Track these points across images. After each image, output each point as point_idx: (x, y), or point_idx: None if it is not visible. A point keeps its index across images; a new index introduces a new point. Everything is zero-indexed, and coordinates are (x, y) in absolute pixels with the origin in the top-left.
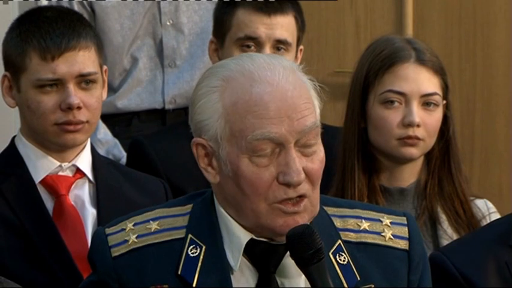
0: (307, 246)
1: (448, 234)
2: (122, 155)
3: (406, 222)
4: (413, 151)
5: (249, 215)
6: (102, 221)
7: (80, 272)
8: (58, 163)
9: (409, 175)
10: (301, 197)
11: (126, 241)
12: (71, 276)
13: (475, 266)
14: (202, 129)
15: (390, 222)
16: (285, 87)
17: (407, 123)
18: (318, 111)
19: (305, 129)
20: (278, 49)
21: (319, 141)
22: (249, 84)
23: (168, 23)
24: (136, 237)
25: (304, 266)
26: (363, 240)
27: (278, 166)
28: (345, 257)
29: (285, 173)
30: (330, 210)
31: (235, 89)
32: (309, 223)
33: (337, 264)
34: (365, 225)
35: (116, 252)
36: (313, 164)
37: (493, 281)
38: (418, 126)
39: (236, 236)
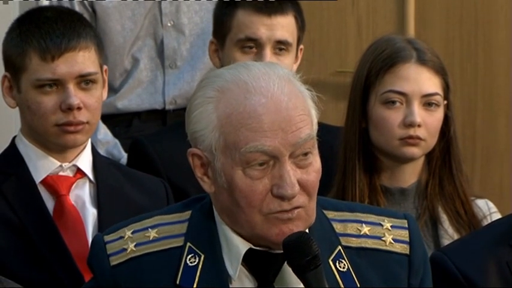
0: (304, 253)
1: (449, 234)
2: (122, 155)
3: (406, 226)
4: (414, 151)
5: (244, 226)
6: (102, 221)
7: (81, 272)
8: (58, 163)
9: (410, 175)
10: (296, 208)
11: (125, 250)
12: (72, 276)
13: (475, 266)
14: (197, 139)
15: (391, 226)
16: (279, 99)
17: (409, 124)
18: (315, 121)
19: (299, 142)
20: (279, 49)
21: (315, 151)
22: (244, 96)
23: (169, 24)
24: (135, 246)
25: (301, 273)
26: (363, 245)
27: (272, 179)
28: (344, 264)
29: (279, 186)
30: (330, 214)
31: (229, 100)
32: (306, 231)
33: (337, 272)
34: (365, 229)
35: (114, 261)
36: (308, 175)
37: (493, 281)
38: (419, 126)
39: (235, 245)
